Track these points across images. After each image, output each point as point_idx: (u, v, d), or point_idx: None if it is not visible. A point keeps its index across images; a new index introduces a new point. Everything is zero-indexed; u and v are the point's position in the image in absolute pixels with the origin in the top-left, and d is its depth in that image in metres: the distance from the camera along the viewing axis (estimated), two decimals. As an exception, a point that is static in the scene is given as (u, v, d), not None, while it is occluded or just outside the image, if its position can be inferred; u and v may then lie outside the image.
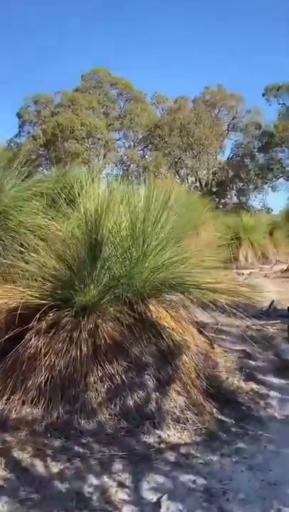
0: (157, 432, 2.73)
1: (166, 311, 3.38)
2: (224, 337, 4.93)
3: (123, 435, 2.69)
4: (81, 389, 2.90)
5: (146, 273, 3.30)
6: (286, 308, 6.95)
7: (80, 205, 3.56)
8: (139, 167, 27.45)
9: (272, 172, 27.49)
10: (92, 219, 3.19)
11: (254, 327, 5.43)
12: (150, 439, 2.67)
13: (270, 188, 28.26)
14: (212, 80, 37.69)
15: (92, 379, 2.92)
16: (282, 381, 3.72)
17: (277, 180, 27.96)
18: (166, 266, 3.37)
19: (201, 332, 4.10)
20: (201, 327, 4.29)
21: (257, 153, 28.19)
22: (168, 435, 2.71)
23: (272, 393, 3.44)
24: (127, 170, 26.89)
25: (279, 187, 27.90)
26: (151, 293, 3.30)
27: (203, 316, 4.24)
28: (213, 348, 4.03)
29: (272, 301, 7.01)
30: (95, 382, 2.92)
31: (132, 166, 28.07)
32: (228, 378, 3.58)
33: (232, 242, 11.33)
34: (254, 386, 3.54)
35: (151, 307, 3.32)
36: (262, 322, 5.68)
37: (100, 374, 2.95)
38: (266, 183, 28.19)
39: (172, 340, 3.21)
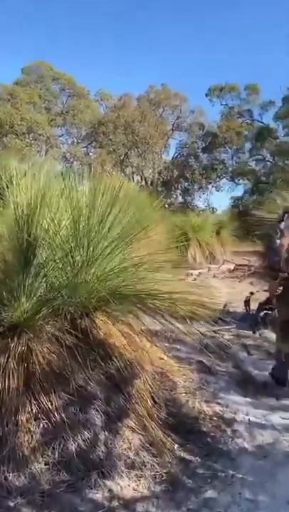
0: (107, 483, 2.17)
1: (116, 326, 2.83)
2: (179, 347, 4.46)
3: (63, 491, 2.10)
4: (10, 430, 2.27)
5: (93, 281, 2.73)
6: (238, 311, 6.68)
7: (9, 199, 2.91)
8: (82, 164, 26.60)
9: (216, 172, 27.72)
10: (24, 215, 2.56)
11: (208, 333, 5.03)
12: (98, 495, 2.10)
13: (214, 188, 28.49)
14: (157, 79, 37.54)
15: (24, 417, 2.31)
16: (247, 399, 3.31)
17: (220, 181, 28.23)
18: (117, 273, 2.82)
19: (155, 345, 3.59)
20: (154, 337, 3.79)
21: (201, 154, 28.32)
22: (121, 487, 2.16)
23: (239, 416, 3.01)
24: (71, 167, 25.95)
25: (222, 187, 28.19)
26: (98, 305, 2.73)
27: (153, 324, 3.74)
28: (169, 364, 3.53)
29: (225, 305, 6.69)
30: (27, 421, 2.31)
31: (75, 163, 27.17)
32: (188, 401, 3.09)
33: (181, 242, 11.04)
34: (218, 408, 3.09)
35: (98, 322, 2.76)
36: (216, 328, 5.28)
37: (34, 410, 2.34)
38: (210, 183, 28.37)
39: (124, 362, 2.66)
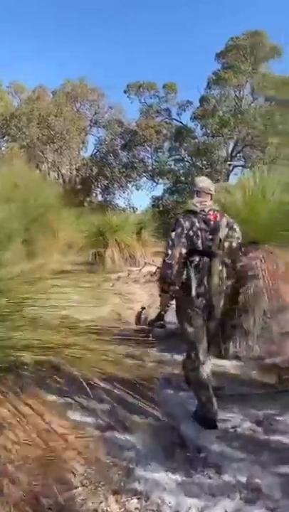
0: None
1: None
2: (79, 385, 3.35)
3: None
4: None
5: None
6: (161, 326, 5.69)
7: None
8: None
9: (136, 171, 26.97)
10: None
11: (124, 361, 3.98)
12: None
13: (134, 187, 27.71)
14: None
15: None
16: (176, 477, 2.28)
17: (140, 179, 27.52)
18: None
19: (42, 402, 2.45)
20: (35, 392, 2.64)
21: (120, 151, 27.42)
22: None
23: (164, 517, 1.98)
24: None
25: (143, 186, 27.49)
26: None
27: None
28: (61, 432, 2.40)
29: (149, 321, 5.69)
30: None
31: (-15, 157, 24.86)
32: (86, 500, 2.00)
33: (97, 243, 10.03)
34: (133, 505, 2.03)
35: None
36: (134, 350, 4.25)
37: None
38: (130, 181, 27.56)
39: None
